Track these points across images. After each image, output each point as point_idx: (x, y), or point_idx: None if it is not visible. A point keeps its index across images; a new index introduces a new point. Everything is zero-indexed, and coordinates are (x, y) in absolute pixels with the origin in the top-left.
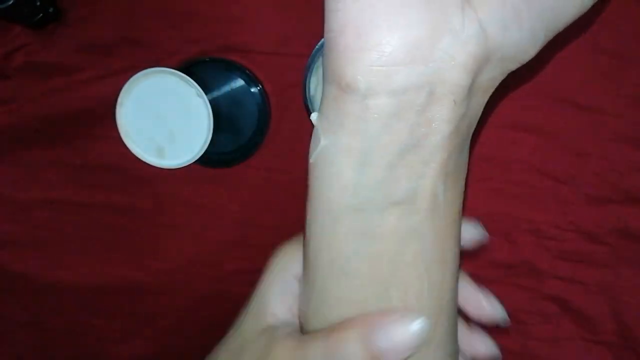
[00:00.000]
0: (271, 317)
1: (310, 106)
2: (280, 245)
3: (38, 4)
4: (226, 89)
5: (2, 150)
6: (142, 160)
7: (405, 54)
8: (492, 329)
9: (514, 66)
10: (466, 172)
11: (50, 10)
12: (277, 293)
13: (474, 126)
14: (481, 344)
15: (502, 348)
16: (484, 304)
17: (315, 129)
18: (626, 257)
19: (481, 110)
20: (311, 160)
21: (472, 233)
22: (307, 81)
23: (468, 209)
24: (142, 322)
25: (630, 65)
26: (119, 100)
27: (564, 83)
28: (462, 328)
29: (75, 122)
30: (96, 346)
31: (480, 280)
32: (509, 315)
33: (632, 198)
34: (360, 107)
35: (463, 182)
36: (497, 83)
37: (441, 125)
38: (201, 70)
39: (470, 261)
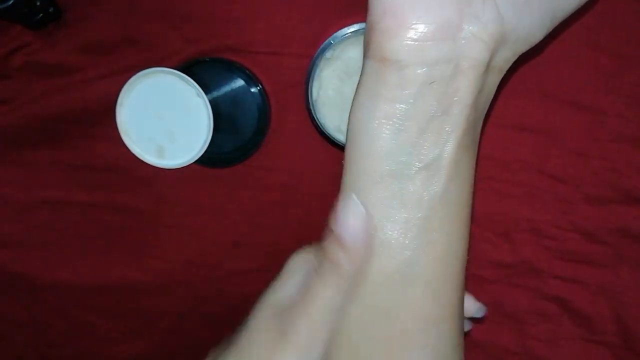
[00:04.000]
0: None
1: (312, 110)
2: (299, 250)
3: (38, 4)
4: (226, 89)
5: (2, 150)
6: (142, 160)
7: (436, 32)
8: (490, 327)
9: (524, 48)
10: (477, 153)
11: (50, 10)
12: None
13: (487, 106)
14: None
15: (502, 348)
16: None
17: (354, 98)
18: (626, 257)
19: (494, 89)
20: (348, 133)
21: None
22: (310, 86)
23: None
24: (142, 322)
25: (630, 65)
26: (119, 100)
27: (564, 83)
28: None
29: (75, 122)
30: (96, 346)
31: (481, 280)
32: (509, 315)
33: (632, 198)
34: (398, 76)
35: (475, 160)
36: (509, 64)
37: (464, 96)
38: (201, 70)
39: (470, 261)
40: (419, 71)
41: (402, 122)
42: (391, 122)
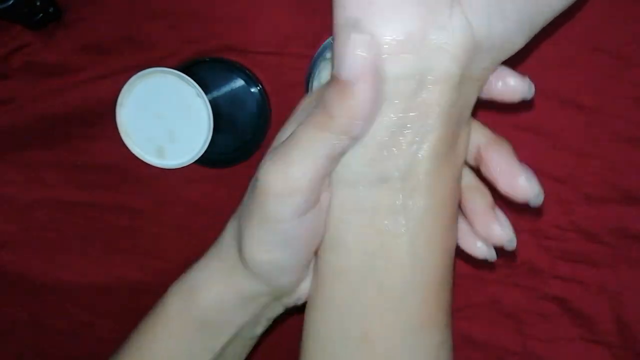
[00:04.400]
0: None
1: None
2: None
3: (38, 4)
4: (226, 89)
5: (2, 150)
6: (142, 160)
7: (397, 46)
8: (490, 327)
9: (503, 56)
10: (465, 156)
11: (50, 10)
12: None
13: (469, 112)
14: (498, 226)
15: (502, 348)
16: (520, 183)
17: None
18: (626, 257)
19: (475, 97)
20: None
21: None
22: (310, 86)
23: None
24: None
25: (630, 66)
26: (119, 100)
27: (564, 83)
28: (484, 205)
29: (75, 122)
30: (96, 346)
31: (480, 280)
32: (509, 315)
33: (632, 198)
34: None
35: (459, 165)
36: (489, 73)
37: (431, 110)
38: (201, 70)
39: (469, 261)
40: None
41: (362, 137)
42: (350, 137)
